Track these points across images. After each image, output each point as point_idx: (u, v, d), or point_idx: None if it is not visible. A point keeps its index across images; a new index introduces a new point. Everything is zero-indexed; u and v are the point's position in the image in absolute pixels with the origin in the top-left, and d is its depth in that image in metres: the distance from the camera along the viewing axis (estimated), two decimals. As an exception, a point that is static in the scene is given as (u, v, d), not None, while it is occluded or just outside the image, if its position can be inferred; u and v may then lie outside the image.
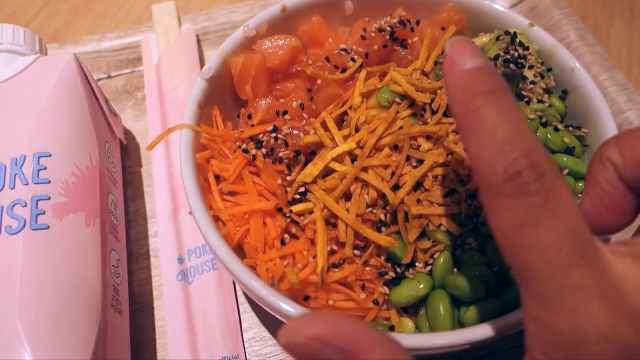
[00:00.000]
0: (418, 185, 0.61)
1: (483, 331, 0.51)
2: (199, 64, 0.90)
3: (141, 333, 0.70)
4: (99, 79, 0.93)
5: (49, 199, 0.59)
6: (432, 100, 0.64)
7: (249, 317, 0.71)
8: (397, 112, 0.64)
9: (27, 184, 0.59)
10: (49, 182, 0.60)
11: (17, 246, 0.55)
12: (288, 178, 0.64)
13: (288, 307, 0.52)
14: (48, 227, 0.57)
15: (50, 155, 0.61)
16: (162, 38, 0.93)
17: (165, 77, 0.88)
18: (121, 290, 0.66)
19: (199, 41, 0.96)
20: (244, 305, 0.72)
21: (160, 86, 0.88)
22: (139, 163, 0.84)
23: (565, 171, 0.63)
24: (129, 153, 0.85)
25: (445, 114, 0.64)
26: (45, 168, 0.60)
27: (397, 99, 0.64)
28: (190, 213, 0.76)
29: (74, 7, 1.05)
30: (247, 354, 0.68)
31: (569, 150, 0.64)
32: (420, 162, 0.61)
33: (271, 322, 0.71)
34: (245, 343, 0.69)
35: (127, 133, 0.87)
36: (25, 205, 0.57)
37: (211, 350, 0.67)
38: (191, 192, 0.59)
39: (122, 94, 0.92)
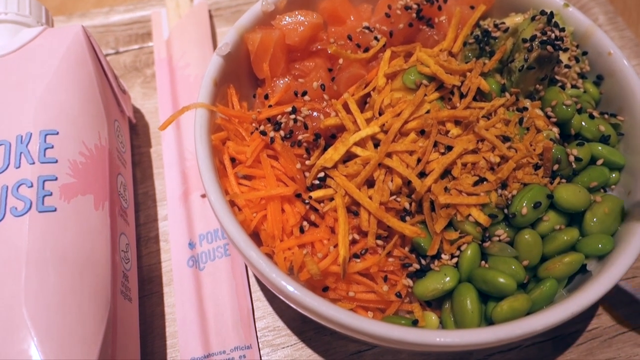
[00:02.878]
0: (446, 173, 0.57)
1: (516, 329, 0.48)
2: (212, 40, 0.87)
3: (150, 320, 0.67)
4: (107, 55, 0.89)
5: (56, 179, 0.56)
6: (462, 83, 0.61)
7: (262, 305, 0.69)
8: (425, 94, 0.60)
9: (34, 163, 0.55)
10: (57, 161, 0.57)
11: (23, 229, 0.52)
12: (307, 162, 0.61)
13: (308, 299, 0.49)
14: (55, 210, 0.54)
15: (57, 133, 0.58)
16: (174, 13, 0.89)
17: (177, 53, 0.84)
18: (130, 276, 0.63)
19: (211, 17, 0.92)
20: (257, 294, 0.69)
21: (171, 63, 0.84)
22: (149, 143, 0.81)
23: (600, 161, 0.60)
24: (138, 133, 0.82)
25: (475, 98, 0.61)
26: (52, 147, 0.57)
27: (425, 81, 0.61)
28: (202, 196, 0.73)
29: (82, -21, 1.01)
30: (259, 344, 0.66)
31: (604, 139, 0.61)
32: (449, 148, 0.58)
33: (285, 311, 0.68)
34: (257, 332, 0.67)
35: (136, 111, 0.84)
36: (32, 186, 0.54)
37: (223, 340, 0.64)
38: (206, 176, 0.56)
39: (131, 70, 0.88)
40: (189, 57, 0.83)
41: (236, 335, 0.64)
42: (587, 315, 0.67)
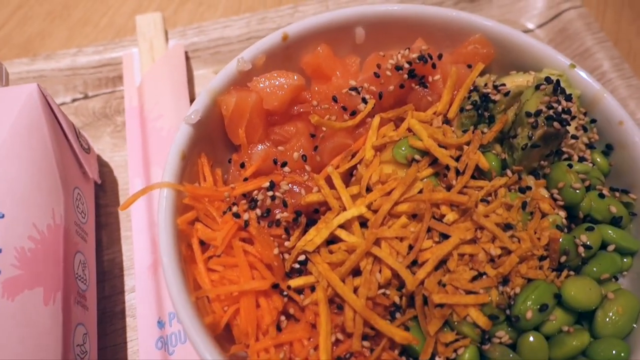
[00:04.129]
0: (440, 263, 0.51)
1: None
2: (187, 87, 0.80)
3: (113, 413, 0.61)
4: (75, 99, 0.82)
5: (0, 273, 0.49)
6: (458, 158, 0.55)
7: (238, 393, 0.62)
8: (417, 171, 0.54)
9: (-27, 255, 0.49)
10: (0, 251, 0.50)
11: (-44, 338, 0.45)
12: (286, 244, 0.55)
13: None
14: (-4, 311, 0.47)
15: (2, 217, 0.51)
16: (147, 55, 0.82)
17: (149, 102, 0.77)
18: (88, 371, 0.56)
19: (188, 58, 0.85)
20: (232, 380, 0.63)
21: (142, 113, 0.77)
22: (117, 202, 0.74)
23: (612, 247, 0.54)
24: (105, 190, 0.75)
25: (473, 175, 0.54)
26: (-5, 233, 0.50)
27: (417, 156, 0.55)
28: (172, 269, 0.66)
29: (51, 12, 0.94)
30: None
31: (616, 221, 0.55)
32: (444, 235, 0.51)
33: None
34: None
35: (104, 165, 0.77)
36: (-31, 284, 0.47)
37: None
38: (169, 268, 0.49)
39: (100, 118, 0.81)
40: (163, 107, 0.77)
41: None
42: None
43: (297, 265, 0.54)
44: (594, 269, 0.53)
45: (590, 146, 0.60)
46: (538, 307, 0.48)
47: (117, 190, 0.75)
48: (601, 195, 0.55)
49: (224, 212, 0.55)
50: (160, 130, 0.75)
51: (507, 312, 0.49)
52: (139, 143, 0.75)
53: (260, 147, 0.60)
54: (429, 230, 0.52)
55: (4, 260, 0.50)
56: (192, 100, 0.81)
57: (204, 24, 0.88)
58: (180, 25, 0.89)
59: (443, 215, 0.53)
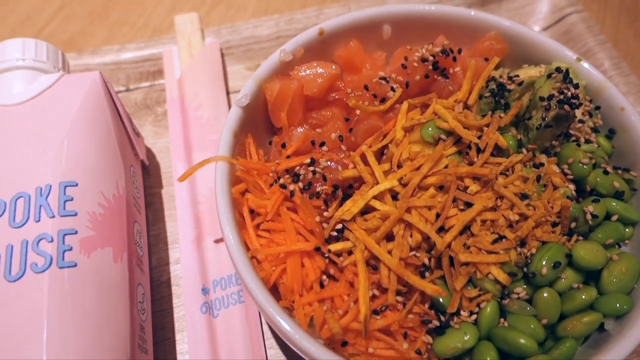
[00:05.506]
0: (464, 229, 0.58)
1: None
2: (223, 80, 0.87)
3: (163, 369, 0.67)
4: (118, 92, 0.89)
5: (76, 233, 0.55)
6: (479, 138, 0.61)
7: (275, 353, 0.68)
8: (443, 149, 0.61)
9: (54, 216, 0.55)
10: (76, 214, 0.56)
11: (43, 286, 0.51)
12: (325, 214, 0.61)
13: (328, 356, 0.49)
14: (76, 265, 0.53)
15: (77, 185, 0.58)
16: (185, 52, 0.89)
17: (189, 93, 0.84)
18: (146, 327, 0.62)
19: (222, 55, 0.92)
20: (270, 341, 0.69)
21: (183, 103, 0.84)
22: (160, 184, 0.81)
23: (615, 217, 0.61)
24: (149, 173, 0.82)
25: (492, 153, 0.61)
26: (72, 199, 0.57)
27: (443, 136, 0.62)
28: (216, 241, 0.73)
29: (91, 13, 1.01)
30: (273, 394, 0.66)
31: (618, 195, 0.62)
32: (468, 204, 0.58)
33: (299, 359, 0.68)
34: (271, 381, 0.66)
35: (147, 151, 0.84)
36: (52, 241, 0.54)
37: (237, 390, 0.64)
38: (228, 229, 0.56)
39: (142, 108, 0.88)
40: (201, 97, 0.84)
41: (250, 385, 0.64)
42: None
43: (335, 233, 0.61)
44: (600, 235, 0.59)
45: (595, 130, 0.67)
46: (552, 264, 0.55)
47: (160, 173, 0.82)
48: (605, 172, 0.62)
49: (271, 185, 0.62)
50: (200, 118, 0.82)
51: (525, 270, 0.56)
52: (181, 130, 0.82)
53: (299, 129, 0.67)
54: (455, 200, 0.59)
55: (80, 222, 0.56)
56: (227, 92, 0.88)
57: (237, 23, 0.95)
58: (213, 25, 0.97)
59: (467, 187, 0.59)
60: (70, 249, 0.54)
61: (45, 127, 0.61)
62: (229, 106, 0.85)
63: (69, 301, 0.51)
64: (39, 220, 0.55)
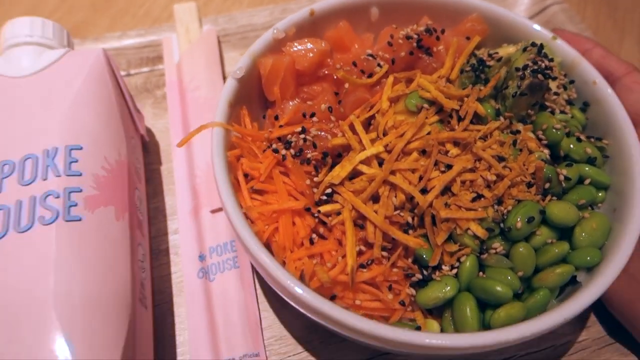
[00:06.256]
0: (445, 190, 0.62)
1: (511, 333, 0.52)
2: (220, 65, 0.91)
3: (161, 329, 0.70)
4: (119, 76, 0.93)
5: (81, 191, 0.59)
6: (460, 107, 0.66)
7: (269, 315, 0.72)
8: (425, 117, 0.65)
9: (60, 175, 0.59)
10: (81, 174, 0.60)
11: (51, 237, 0.55)
12: (315, 179, 0.65)
13: (324, 305, 0.53)
14: (80, 219, 0.57)
15: (81, 148, 0.62)
16: (184, 38, 0.94)
17: (187, 76, 0.89)
18: (146, 284, 0.66)
19: (219, 42, 0.97)
20: (264, 304, 0.73)
21: (181, 85, 0.88)
22: (159, 161, 0.85)
23: (588, 181, 0.65)
24: (149, 151, 0.85)
25: (472, 121, 0.65)
26: (77, 161, 0.61)
27: (426, 105, 0.66)
28: (212, 211, 0.76)
29: (94, 3, 1.06)
30: (266, 353, 0.69)
31: (591, 161, 0.66)
32: (449, 167, 0.62)
33: (291, 321, 0.71)
34: (264, 341, 0.70)
35: (148, 131, 0.87)
36: (59, 197, 0.57)
37: (232, 348, 0.67)
38: (223, 189, 0.60)
39: (142, 91, 0.92)
40: (199, 80, 0.88)
41: (244, 342, 0.67)
42: (577, 327, 0.71)
43: (324, 197, 0.64)
44: (573, 197, 0.63)
45: (569, 102, 0.71)
46: (526, 219, 0.58)
47: (159, 151, 0.86)
48: (579, 140, 0.66)
49: (264, 151, 0.66)
50: (197, 99, 0.86)
51: (501, 225, 0.60)
52: (179, 110, 0.86)
53: (291, 103, 0.71)
54: (436, 163, 0.63)
55: (85, 182, 0.60)
56: (224, 78, 0.92)
57: (233, 13, 0.99)
58: (211, 14, 1.01)
59: (447, 152, 0.63)
60: (76, 205, 0.58)
61: (51, 96, 0.65)
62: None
63: (74, 251, 0.55)
64: (46, 179, 0.59)
